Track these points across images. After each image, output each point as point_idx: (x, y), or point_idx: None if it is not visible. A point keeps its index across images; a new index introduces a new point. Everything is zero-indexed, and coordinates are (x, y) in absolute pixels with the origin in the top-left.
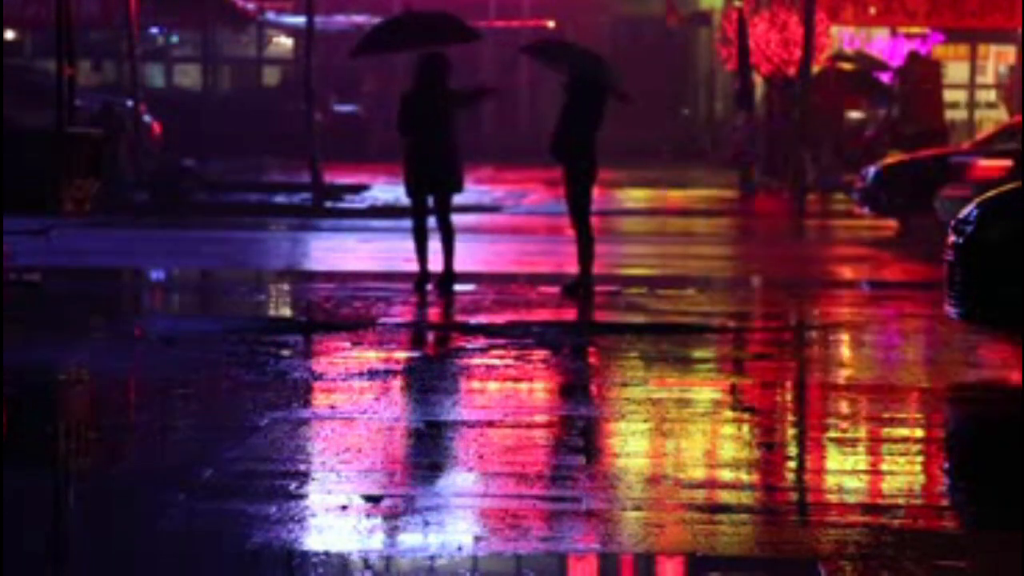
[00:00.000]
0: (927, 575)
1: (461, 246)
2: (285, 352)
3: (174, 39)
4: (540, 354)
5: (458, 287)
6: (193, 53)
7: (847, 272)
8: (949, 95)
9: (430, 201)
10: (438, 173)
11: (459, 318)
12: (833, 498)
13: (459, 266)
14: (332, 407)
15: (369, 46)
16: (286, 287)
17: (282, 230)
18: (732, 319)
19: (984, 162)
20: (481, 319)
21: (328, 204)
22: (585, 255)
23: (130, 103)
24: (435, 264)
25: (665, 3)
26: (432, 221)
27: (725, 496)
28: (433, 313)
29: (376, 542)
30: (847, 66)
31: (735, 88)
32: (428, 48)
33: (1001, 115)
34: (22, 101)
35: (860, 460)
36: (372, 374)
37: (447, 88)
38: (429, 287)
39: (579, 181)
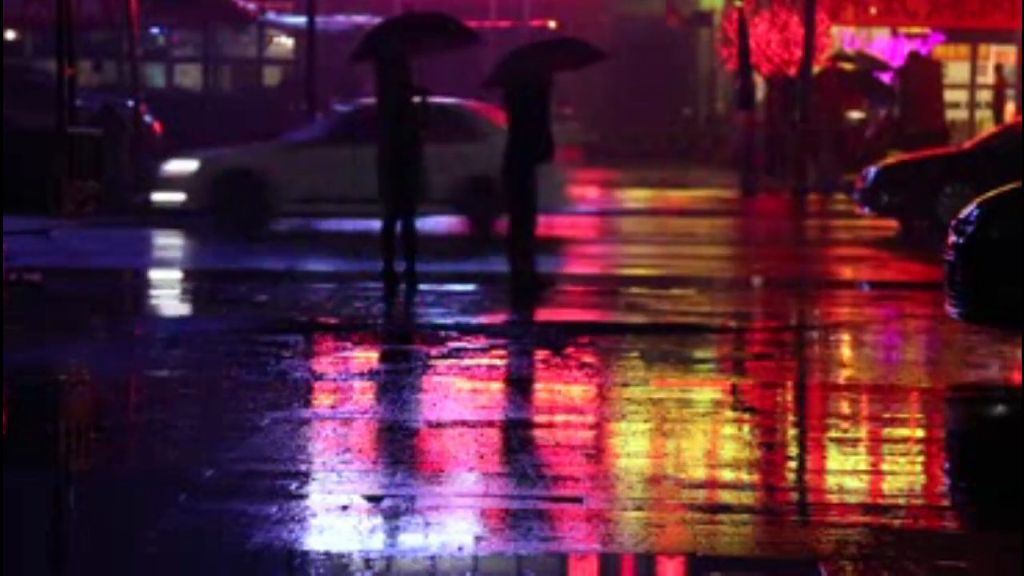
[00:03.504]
0: (927, 574)
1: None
2: (285, 352)
3: (175, 39)
4: (540, 354)
5: (458, 287)
6: (194, 53)
7: (847, 272)
8: (949, 95)
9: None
10: (405, 176)
11: (460, 318)
12: (833, 498)
13: (461, 266)
14: (332, 407)
15: (368, 51)
16: (286, 287)
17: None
18: (733, 319)
19: None
20: (481, 319)
21: None
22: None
23: (131, 103)
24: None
25: (665, 3)
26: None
27: (726, 496)
28: (434, 313)
29: (376, 542)
30: (848, 66)
31: (736, 88)
32: (427, 52)
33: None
34: (22, 101)
35: (860, 460)
36: (372, 374)
37: (408, 93)
38: (402, 286)
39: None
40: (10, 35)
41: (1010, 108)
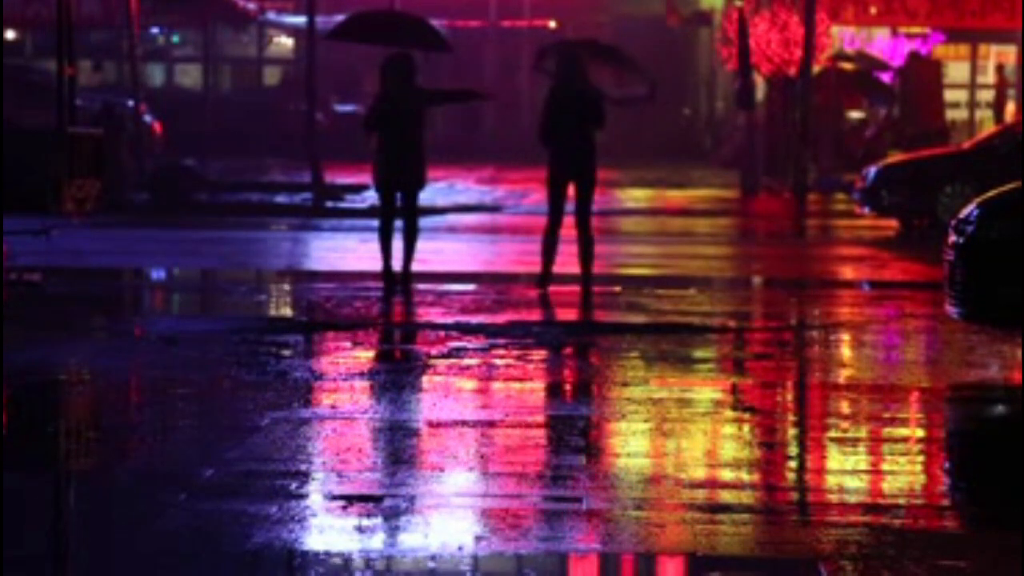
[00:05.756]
0: (927, 574)
1: (463, 246)
2: (285, 352)
3: (175, 39)
4: (540, 354)
5: (458, 287)
6: (194, 53)
7: (847, 272)
8: (949, 95)
9: (398, 200)
10: (406, 170)
11: (459, 318)
12: (833, 498)
13: (462, 266)
14: (332, 407)
15: (344, 34)
16: (286, 287)
17: (282, 230)
18: (733, 319)
19: None
20: (481, 319)
21: (329, 204)
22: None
23: (131, 103)
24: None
25: (665, 3)
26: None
27: (726, 496)
28: (434, 313)
29: (376, 542)
30: (848, 66)
31: (736, 88)
32: (399, 47)
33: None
34: (22, 101)
35: (860, 460)
36: (372, 374)
37: (416, 87)
38: (399, 287)
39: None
40: (10, 35)
41: (1010, 108)
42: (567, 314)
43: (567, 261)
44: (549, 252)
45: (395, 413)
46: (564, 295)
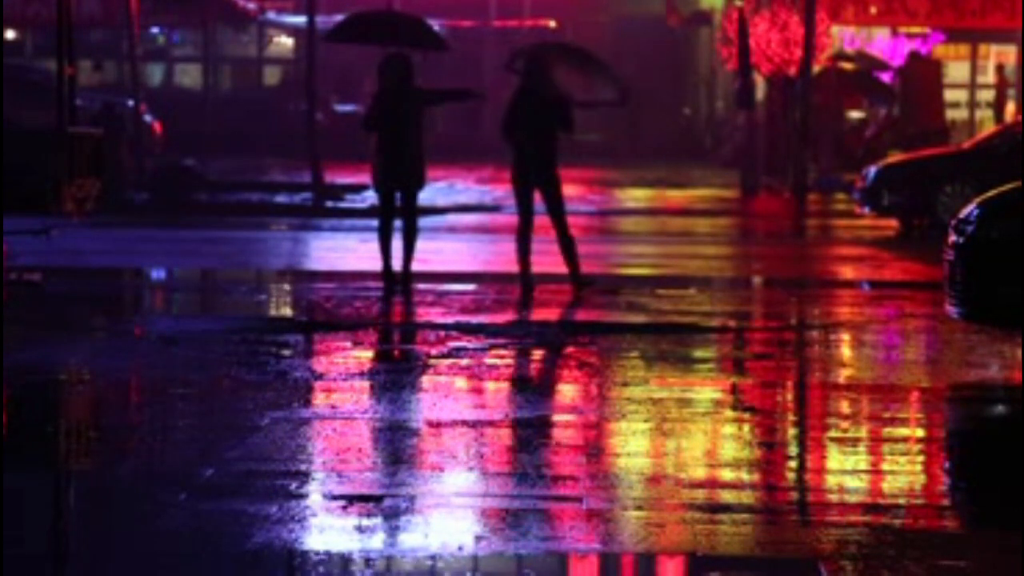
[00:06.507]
0: (928, 574)
1: (463, 246)
2: (285, 352)
3: (175, 39)
4: (540, 354)
5: (459, 287)
6: (194, 53)
7: (847, 272)
8: (949, 95)
9: (397, 200)
10: (405, 169)
11: (459, 318)
12: (834, 498)
13: (461, 266)
14: (332, 407)
15: (342, 35)
16: (286, 287)
17: (282, 230)
18: (733, 319)
19: None
20: (481, 319)
21: (329, 204)
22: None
23: (131, 103)
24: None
25: (665, 3)
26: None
27: (726, 496)
28: (434, 312)
29: (376, 542)
30: (848, 66)
31: (736, 88)
32: (398, 47)
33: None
34: (22, 101)
35: (860, 460)
36: (372, 374)
37: (414, 87)
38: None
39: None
40: (10, 35)
41: (1010, 108)
42: (566, 314)
43: (562, 262)
44: (524, 254)
45: (395, 413)
46: (563, 295)
